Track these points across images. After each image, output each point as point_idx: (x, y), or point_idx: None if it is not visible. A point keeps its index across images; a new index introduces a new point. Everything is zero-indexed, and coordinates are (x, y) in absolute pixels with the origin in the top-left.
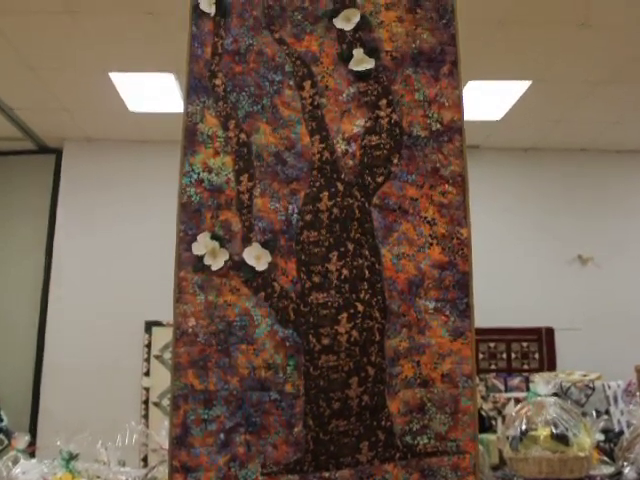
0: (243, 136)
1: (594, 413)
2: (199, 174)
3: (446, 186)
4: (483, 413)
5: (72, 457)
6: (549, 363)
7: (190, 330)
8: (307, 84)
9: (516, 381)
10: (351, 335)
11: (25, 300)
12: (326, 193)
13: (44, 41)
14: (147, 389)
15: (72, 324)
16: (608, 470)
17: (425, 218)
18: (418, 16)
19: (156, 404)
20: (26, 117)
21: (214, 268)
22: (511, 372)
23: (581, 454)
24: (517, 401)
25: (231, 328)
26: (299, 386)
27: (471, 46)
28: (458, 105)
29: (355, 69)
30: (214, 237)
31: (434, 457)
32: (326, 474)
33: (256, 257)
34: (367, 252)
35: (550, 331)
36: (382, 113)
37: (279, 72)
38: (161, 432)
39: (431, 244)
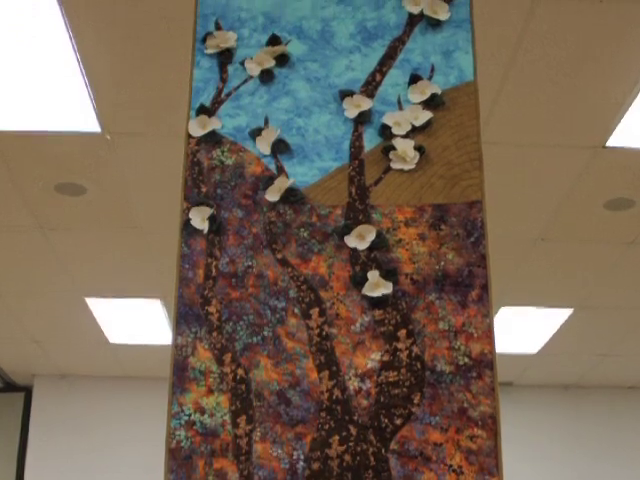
0: (241, 372)
1: None
2: (190, 416)
3: (475, 429)
4: None
5: None
6: None
7: None
8: (314, 312)
9: None
10: None
11: None
12: (336, 437)
13: (11, 262)
14: None
15: None
16: None
17: (450, 466)
18: (442, 233)
19: None
20: None
21: None
22: None
23: None
24: None
25: None
26: None
27: (504, 267)
28: (489, 336)
29: (370, 295)
30: None
31: None
32: None
33: None
34: None
35: None
36: (401, 345)
37: (282, 298)
38: None
39: None
